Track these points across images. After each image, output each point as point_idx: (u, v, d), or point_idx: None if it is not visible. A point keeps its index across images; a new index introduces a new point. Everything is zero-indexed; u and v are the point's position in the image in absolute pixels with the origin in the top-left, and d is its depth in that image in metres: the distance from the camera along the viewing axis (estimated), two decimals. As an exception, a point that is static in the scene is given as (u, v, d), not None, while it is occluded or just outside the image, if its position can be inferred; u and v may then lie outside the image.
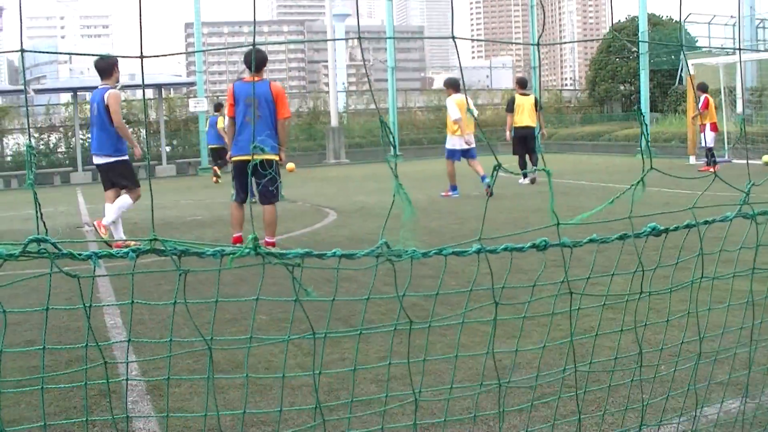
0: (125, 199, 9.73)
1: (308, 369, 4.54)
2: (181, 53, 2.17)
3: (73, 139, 27.95)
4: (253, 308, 2.19)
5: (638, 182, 2.33)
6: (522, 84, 18.11)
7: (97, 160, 9.82)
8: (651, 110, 30.74)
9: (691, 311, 2.86)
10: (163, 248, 1.86)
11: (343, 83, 55.00)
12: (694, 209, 2.52)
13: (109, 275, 7.32)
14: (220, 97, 28.13)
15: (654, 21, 35.72)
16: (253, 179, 8.77)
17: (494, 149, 2.23)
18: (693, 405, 3.10)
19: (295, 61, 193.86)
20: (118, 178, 9.79)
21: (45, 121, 29.58)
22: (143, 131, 30.04)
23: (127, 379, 2.49)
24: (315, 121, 33.34)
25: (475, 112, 15.09)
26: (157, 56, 1.83)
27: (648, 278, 2.53)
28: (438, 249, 2.12)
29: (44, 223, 1.86)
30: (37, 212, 1.83)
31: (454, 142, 15.06)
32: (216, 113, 21.79)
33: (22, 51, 1.85)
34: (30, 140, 1.87)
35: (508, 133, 17.38)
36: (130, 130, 29.73)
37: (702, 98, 18.85)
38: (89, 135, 28.80)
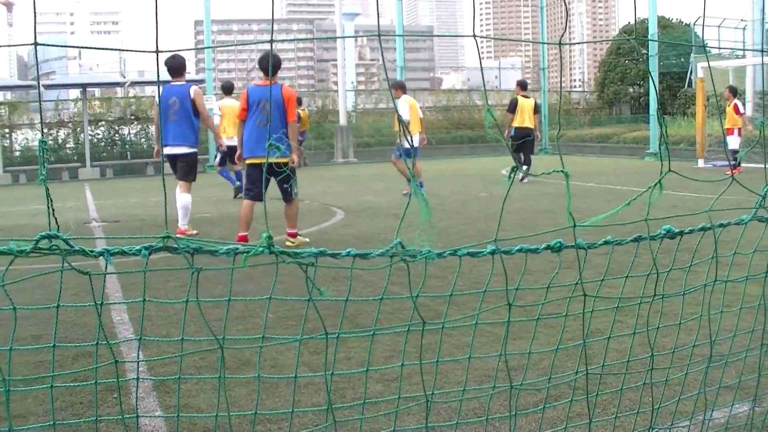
0: (186, 197, 10.54)
1: (315, 367, 4.53)
2: (192, 49, 2.16)
3: (82, 135, 27.95)
4: (266, 307, 2.18)
5: (655, 184, 2.31)
6: (523, 86, 18.73)
7: (174, 150, 10.51)
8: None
9: (703, 315, 2.85)
10: (175, 246, 1.84)
11: (352, 82, 54.98)
12: (709, 212, 2.50)
13: (117, 272, 7.31)
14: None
15: (663, 23, 35.64)
16: (272, 179, 9.10)
17: (512, 152, 2.22)
18: (702, 409, 3.08)
19: (304, 59, 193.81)
20: (187, 168, 10.55)
21: (54, 117, 29.58)
22: (152, 128, 30.10)
23: (137, 378, 2.48)
24: (324, 119, 33.28)
25: (421, 114, 15.82)
26: (171, 51, 1.82)
27: (661, 281, 2.51)
28: (453, 250, 2.10)
29: (56, 219, 1.85)
30: (49, 208, 1.82)
31: (415, 140, 15.36)
32: None
33: (36, 45, 1.84)
34: (42, 136, 1.86)
35: (506, 132, 17.67)
36: (138, 126, 29.98)
37: (732, 102, 18.95)
38: (97, 132, 29.20)
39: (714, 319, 3.04)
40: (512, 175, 2.17)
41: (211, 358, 4.77)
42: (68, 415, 3.95)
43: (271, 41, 2.00)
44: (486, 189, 15.48)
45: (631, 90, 38.08)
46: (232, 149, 13.68)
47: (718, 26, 31.15)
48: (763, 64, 16.23)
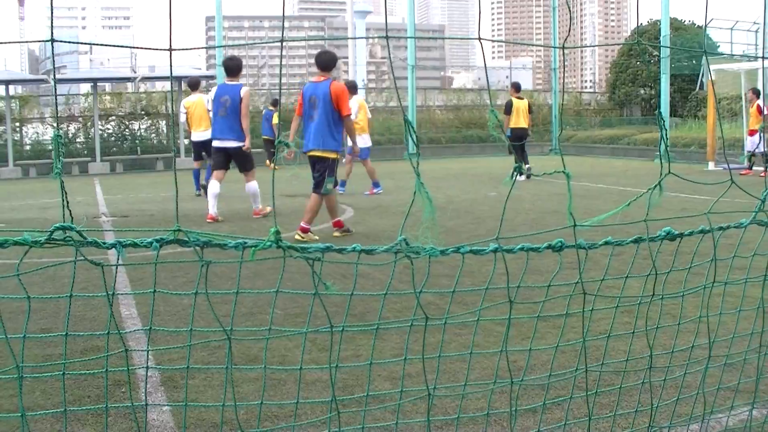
0: (253, 185, 11.85)
1: (323, 365, 4.57)
2: (205, 47, 2.21)
3: (92, 130, 28.04)
4: (273, 301, 2.23)
5: (655, 186, 2.35)
6: (517, 88, 19.71)
7: (222, 143, 11.64)
8: (671, 115, 30.59)
9: (702, 316, 2.88)
10: (186, 239, 1.89)
11: (363, 80, 54.99)
12: (709, 214, 2.54)
13: (126, 264, 7.36)
14: (273, 93, 30.98)
15: (676, 25, 35.58)
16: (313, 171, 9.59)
17: (520, 150, 2.25)
18: (702, 410, 3.11)
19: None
20: (244, 160, 11.75)
21: (64, 111, 29.65)
22: (163, 123, 30.18)
23: (146, 367, 2.53)
24: (334, 117, 33.32)
25: (369, 115, 16.40)
26: (185, 49, 1.87)
27: (661, 282, 2.54)
28: (456, 247, 2.15)
29: (70, 211, 1.89)
30: (63, 201, 1.87)
31: (365, 141, 15.98)
32: (271, 107, 25.49)
33: (53, 41, 1.89)
34: (57, 130, 1.91)
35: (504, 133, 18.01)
36: (149, 122, 30.08)
37: (755, 103, 19.07)
38: (107, 126, 29.26)
39: (714, 320, 3.08)
40: (515, 175, 2.21)
41: (220, 354, 4.81)
42: (76, 407, 3.99)
43: (282, 40, 2.05)
44: (495, 189, 15.51)
45: (642, 92, 38.00)
46: (205, 143, 14.32)
47: (731, 29, 31.08)
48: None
